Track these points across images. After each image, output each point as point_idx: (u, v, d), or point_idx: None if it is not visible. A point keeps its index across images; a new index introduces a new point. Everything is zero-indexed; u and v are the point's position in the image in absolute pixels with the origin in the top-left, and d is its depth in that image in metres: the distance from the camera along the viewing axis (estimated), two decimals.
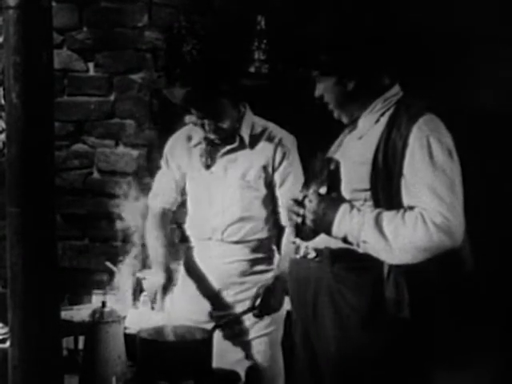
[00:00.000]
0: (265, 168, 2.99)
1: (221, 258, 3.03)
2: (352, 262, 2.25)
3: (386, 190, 2.21)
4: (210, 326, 2.80)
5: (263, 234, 3.04)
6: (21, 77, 2.04)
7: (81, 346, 2.78)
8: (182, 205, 3.19)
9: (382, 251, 2.15)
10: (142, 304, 3.17)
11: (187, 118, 3.47)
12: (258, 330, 3.00)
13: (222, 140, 2.99)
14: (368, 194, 2.24)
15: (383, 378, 2.24)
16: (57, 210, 2.19)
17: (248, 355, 2.99)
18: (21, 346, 2.10)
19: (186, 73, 3.88)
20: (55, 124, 2.41)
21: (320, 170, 2.30)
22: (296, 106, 3.69)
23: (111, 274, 3.30)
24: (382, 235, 2.13)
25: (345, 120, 2.42)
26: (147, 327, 2.63)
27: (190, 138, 3.10)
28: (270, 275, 2.98)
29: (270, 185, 3.02)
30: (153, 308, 2.94)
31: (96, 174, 4.00)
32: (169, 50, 3.97)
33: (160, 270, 2.99)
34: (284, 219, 2.98)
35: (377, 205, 2.22)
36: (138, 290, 2.99)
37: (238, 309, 2.99)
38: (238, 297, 3.02)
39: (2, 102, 3.66)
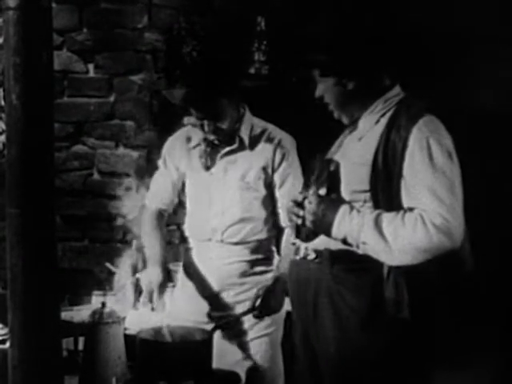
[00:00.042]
0: (264, 169, 2.99)
1: (221, 259, 3.03)
2: (351, 264, 2.25)
3: (385, 191, 2.21)
4: (209, 326, 2.80)
5: (263, 235, 3.04)
6: (21, 78, 2.04)
7: (81, 346, 2.78)
8: (183, 206, 3.19)
9: (381, 252, 2.15)
10: (142, 305, 3.17)
11: (186, 120, 3.48)
12: (258, 330, 3.00)
13: (222, 141, 2.99)
14: (368, 195, 2.24)
15: (383, 378, 2.23)
16: (57, 211, 2.19)
17: (248, 356, 2.99)
18: (21, 346, 2.10)
19: (186, 74, 3.89)
20: (55, 125, 2.41)
21: (320, 172, 2.30)
22: (296, 108, 3.70)
23: (111, 274, 3.30)
24: (381, 236, 2.13)
25: (345, 120, 2.42)
26: (147, 328, 2.63)
27: (189, 139, 3.10)
28: (269, 276, 2.98)
29: (269, 186, 3.02)
30: (153, 309, 2.94)
31: (96, 175, 4.01)
32: (169, 52, 3.98)
33: (157, 266, 2.99)
34: (283, 220, 2.98)
35: (376, 206, 2.22)
36: (137, 290, 2.98)
37: (238, 309, 2.99)
38: (238, 298, 3.02)
39: (2, 103, 3.67)
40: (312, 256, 2.34)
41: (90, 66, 3.98)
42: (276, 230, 3.09)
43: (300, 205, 2.27)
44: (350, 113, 2.39)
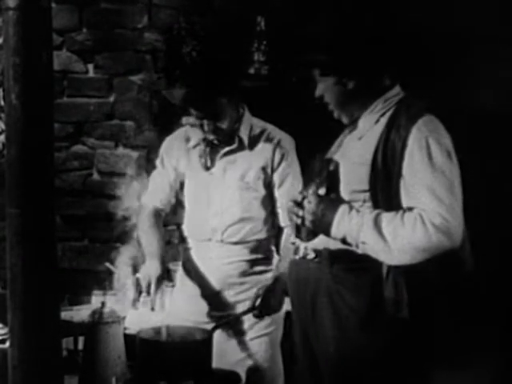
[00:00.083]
0: (264, 169, 3.00)
1: (220, 258, 3.03)
2: (351, 263, 2.25)
3: (385, 191, 2.21)
4: (209, 326, 2.80)
5: (262, 235, 3.04)
6: (20, 78, 2.04)
7: (81, 346, 2.79)
8: (182, 205, 3.19)
9: (380, 252, 2.15)
10: (142, 304, 3.17)
11: (184, 120, 3.48)
12: (257, 330, 3.00)
13: (221, 141, 3.00)
14: (367, 195, 2.24)
15: (382, 378, 2.23)
16: (56, 211, 2.19)
17: (248, 355, 2.99)
18: (21, 346, 2.10)
19: (186, 74, 3.89)
20: (55, 125, 2.42)
21: (319, 171, 2.31)
22: (296, 108, 3.70)
23: (111, 274, 3.30)
24: (380, 236, 2.13)
25: (345, 120, 2.42)
26: (147, 328, 2.63)
27: (188, 139, 3.10)
28: (269, 275, 2.98)
29: (268, 186, 3.02)
30: (153, 309, 2.94)
31: (96, 175, 4.01)
32: (168, 52, 3.98)
33: (155, 260, 2.97)
34: (283, 220, 2.98)
35: (376, 206, 2.22)
36: (137, 290, 2.98)
37: (238, 309, 3.00)
38: (238, 297, 3.02)
39: (2, 103, 3.67)
40: (311, 256, 2.34)
41: (90, 66, 3.98)
42: (275, 230, 3.09)
43: (299, 204, 2.27)
44: (350, 112, 2.39)
